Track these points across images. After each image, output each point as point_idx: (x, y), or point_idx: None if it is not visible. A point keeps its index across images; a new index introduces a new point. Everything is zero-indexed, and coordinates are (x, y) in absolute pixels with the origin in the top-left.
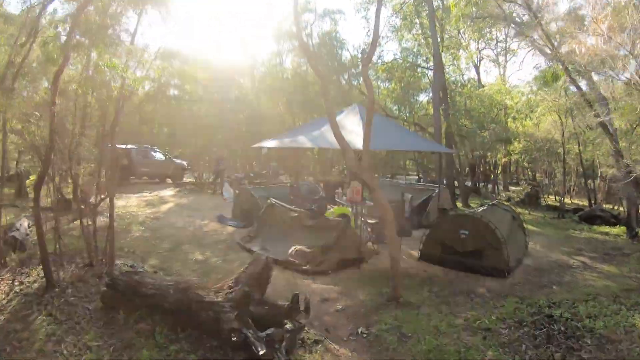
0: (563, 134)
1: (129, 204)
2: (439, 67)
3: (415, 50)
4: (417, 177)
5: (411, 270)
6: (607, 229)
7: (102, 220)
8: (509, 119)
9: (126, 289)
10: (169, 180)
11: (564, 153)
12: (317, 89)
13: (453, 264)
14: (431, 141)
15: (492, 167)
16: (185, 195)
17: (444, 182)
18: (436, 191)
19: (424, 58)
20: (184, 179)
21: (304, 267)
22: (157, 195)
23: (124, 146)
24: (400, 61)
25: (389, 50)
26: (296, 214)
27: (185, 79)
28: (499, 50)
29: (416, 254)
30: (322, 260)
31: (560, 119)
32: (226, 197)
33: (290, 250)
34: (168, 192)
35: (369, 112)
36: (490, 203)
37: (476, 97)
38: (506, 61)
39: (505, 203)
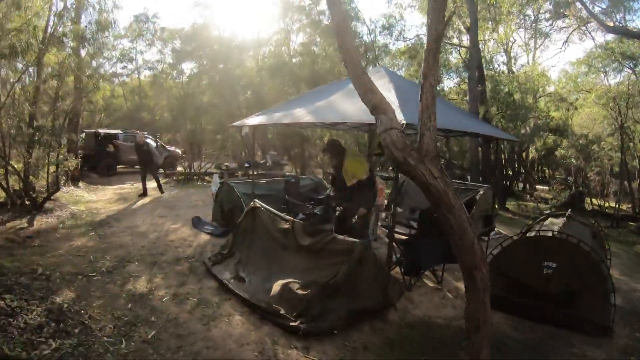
0: (622, 126)
1: (99, 197)
2: (475, 40)
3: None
4: None
5: (458, 318)
6: None
7: (47, 221)
8: (551, 107)
9: None
10: (161, 170)
11: (622, 148)
12: (328, 67)
13: (528, 312)
14: (492, 126)
15: (524, 163)
16: (171, 187)
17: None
18: (480, 192)
19: (456, 31)
20: (178, 168)
21: (293, 323)
22: (137, 188)
23: (108, 131)
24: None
25: (412, 26)
26: (287, 225)
27: (182, 56)
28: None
29: (464, 286)
30: (324, 311)
31: (619, 108)
32: (214, 192)
33: (274, 288)
34: (152, 184)
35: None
36: (566, 215)
37: (512, 80)
38: (536, 47)
39: (545, 207)
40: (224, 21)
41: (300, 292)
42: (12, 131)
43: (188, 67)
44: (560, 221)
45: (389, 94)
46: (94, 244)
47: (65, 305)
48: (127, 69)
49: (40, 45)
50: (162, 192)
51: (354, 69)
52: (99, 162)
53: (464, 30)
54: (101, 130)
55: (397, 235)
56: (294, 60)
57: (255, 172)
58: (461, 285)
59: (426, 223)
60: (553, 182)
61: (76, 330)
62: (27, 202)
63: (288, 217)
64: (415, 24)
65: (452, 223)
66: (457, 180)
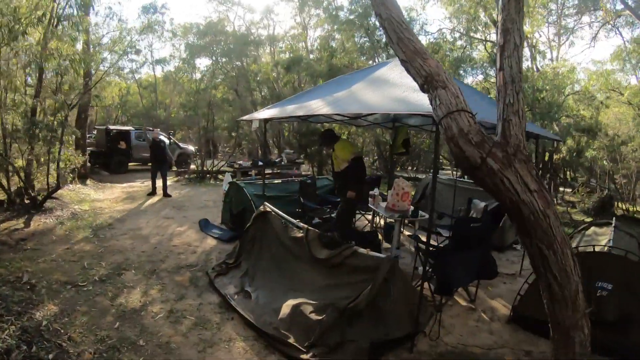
0: None
1: (106, 196)
2: None
3: (472, 11)
4: (457, 175)
5: (496, 346)
6: None
7: (45, 222)
8: (581, 106)
9: None
10: (174, 168)
11: None
12: (346, 61)
13: None
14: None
15: (552, 164)
16: (181, 186)
17: None
18: None
19: (482, 24)
20: (191, 166)
21: (305, 356)
22: (147, 186)
23: (120, 128)
24: (449, 30)
25: (434, 20)
26: (301, 233)
27: (196, 51)
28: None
29: (501, 306)
30: (342, 341)
31: None
32: (226, 192)
33: (284, 309)
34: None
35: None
36: (613, 224)
37: (541, 77)
38: (560, 44)
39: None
40: (238, 16)
41: (314, 316)
42: (9, 126)
43: (202, 63)
44: (605, 231)
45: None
46: (91, 247)
47: (45, 323)
48: (135, 62)
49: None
50: (167, 194)
51: (395, 27)
52: (110, 159)
53: (490, 23)
54: (112, 127)
55: (421, 245)
56: (311, 55)
57: (269, 171)
58: (497, 304)
59: (462, 234)
60: (577, 185)
61: (50, 357)
62: (27, 201)
63: (301, 224)
64: (437, 18)
65: (550, 261)
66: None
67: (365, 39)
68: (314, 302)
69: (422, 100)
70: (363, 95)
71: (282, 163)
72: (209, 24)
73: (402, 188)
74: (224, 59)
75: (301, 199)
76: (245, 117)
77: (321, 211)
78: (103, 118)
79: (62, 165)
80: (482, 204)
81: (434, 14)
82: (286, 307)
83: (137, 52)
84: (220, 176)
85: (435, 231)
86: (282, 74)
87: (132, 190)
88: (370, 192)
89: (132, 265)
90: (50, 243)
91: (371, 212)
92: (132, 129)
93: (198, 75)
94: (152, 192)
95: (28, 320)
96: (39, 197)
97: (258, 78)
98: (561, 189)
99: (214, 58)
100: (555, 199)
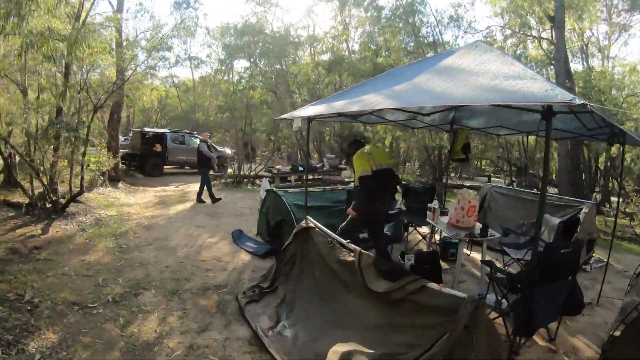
0: None
1: (137, 200)
2: (562, 30)
3: (525, 5)
4: (507, 181)
5: None
6: None
7: (64, 228)
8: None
9: None
10: (210, 172)
11: None
12: (391, 61)
13: None
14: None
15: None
16: (217, 191)
17: (562, 189)
18: (584, 210)
19: (536, 19)
20: (228, 170)
21: None
22: (181, 191)
23: (155, 130)
24: (499, 27)
25: (482, 16)
26: (352, 257)
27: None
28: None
29: (584, 346)
30: None
31: None
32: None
33: (330, 357)
34: (198, 187)
35: None
36: None
37: (603, 76)
38: (610, 43)
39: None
40: (277, 17)
41: None
42: (34, 127)
43: (240, 65)
44: None
45: (509, 69)
46: (110, 259)
47: (38, 358)
48: (167, 61)
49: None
50: (200, 200)
51: None
52: (145, 161)
53: (545, 19)
54: (148, 129)
55: (494, 270)
56: (353, 56)
57: (309, 177)
58: (579, 344)
59: (550, 262)
60: (632, 195)
61: None
62: (48, 206)
63: (352, 245)
64: (485, 14)
65: None
66: (553, 193)
67: (409, 38)
68: (369, 352)
69: (523, 89)
70: (434, 87)
71: (324, 168)
72: (247, 24)
73: (469, 201)
74: (262, 61)
75: (348, 210)
76: (285, 115)
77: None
78: (142, 121)
79: (92, 167)
80: (556, 220)
81: (481, 11)
82: (333, 355)
83: (169, 48)
84: (257, 181)
85: (502, 249)
86: (323, 75)
87: (164, 195)
88: (429, 205)
89: (152, 284)
90: (66, 253)
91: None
92: (168, 131)
93: (236, 77)
94: (215, 200)
95: (18, 354)
96: (62, 201)
97: (298, 80)
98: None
99: (252, 59)
100: (609, 209)
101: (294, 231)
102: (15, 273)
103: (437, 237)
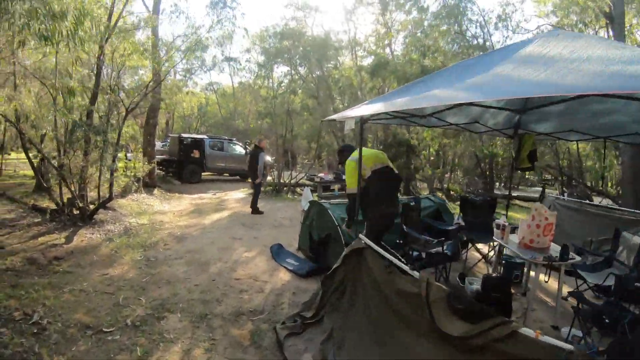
0: None
1: (172, 208)
2: (621, 23)
3: (580, 1)
4: (559, 191)
5: None
6: None
7: (90, 237)
8: None
9: None
10: (248, 180)
11: None
12: (439, 63)
13: None
14: None
15: None
16: None
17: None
18: None
19: (591, 16)
20: (268, 177)
21: None
22: (218, 199)
23: (194, 136)
24: (550, 26)
25: (531, 16)
26: (417, 288)
27: (273, 55)
28: None
29: None
30: None
31: None
32: (304, 209)
33: None
34: (236, 195)
35: None
36: None
37: None
38: None
39: None
40: (316, 24)
41: None
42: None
43: (280, 70)
44: None
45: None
46: (135, 274)
47: None
48: (204, 62)
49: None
50: (255, 210)
51: None
52: (183, 168)
53: (601, 16)
54: (186, 135)
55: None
56: (396, 60)
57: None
58: None
59: None
60: None
61: None
62: (76, 212)
63: (418, 272)
64: (532, 13)
65: None
66: (615, 207)
67: (457, 39)
68: None
69: None
70: (526, 76)
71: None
72: (286, 28)
73: (545, 218)
74: (302, 66)
75: (404, 226)
76: (335, 116)
77: (428, 244)
78: (182, 128)
79: (127, 173)
80: (638, 239)
81: (528, 10)
82: None
83: (205, 48)
84: (298, 190)
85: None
86: (367, 80)
87: (201, 203)
88: (497, 221)
89: (178, 305)
90: (88, 265)
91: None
92: (206, 137)
93: (275, 83)
94: (257, 212)
95: None
96: (91, 208)
97: (340, 84)
98: None
99: (292, 64)
100: None
101: (345, 252)
102: (28, 287)
103: (491, 253)
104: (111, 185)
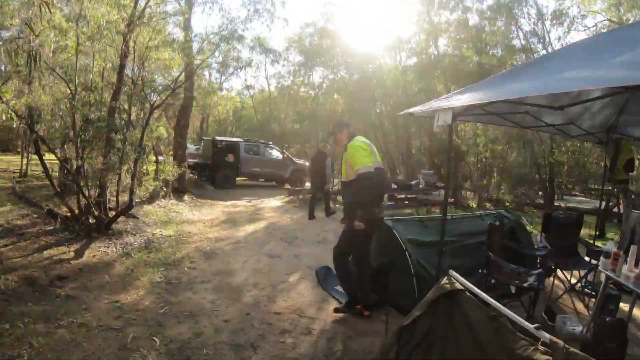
0: None
1: (202, 216)
2: None
3: None
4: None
5: None
6: None
7: (104, 251)
8: None
9: None
10: (287, 186)
11: None
12: (495, 61)
13: None
14: None
15: None
16: (294, 209)
17: None
18: None
19: None
20: (306, 184)
21: None
22: (253, 207)
23: (228, 139)
24: (610, 23)
25: (588, 12)
26: (545, 355)
27: (311, 55)
28: None
29: None
30: None
31: None
32: None
33: None
34: (273, 203)
35: None
36: None
37: None
38: None
39: None
40: (358, 19)
41: None
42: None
43: (318, 74)
44: None
45: None
46: (151, 302)
47: None
48: (239, 59)
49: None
50: (330, 212)
51: None
52: (216, 172)
53: None
54: (220, 138)
55: None
56: (446, 59)
57: (405, 197)
58: None
59: None
60: None
61: None
62: (91, 221)
63: (545, 333)
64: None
65: None
66: None
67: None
68: None
69: None
70: None
71: (420, 186)
72: (326, 28)
73: None
74: (341, 69)
75: (489, 253)
76: (417, 109)
77: (518, 276)
78: (217, 132)
79: (160, 176)
80: None
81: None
82: None
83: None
84: (339, 198)
85: None
86: (414, 81)
87: (234, 211)
88: (603, 247)
89: (201, 352)
90: (96, 288)
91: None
92: (242, 140)
93: (313, 91)
94: (312, 216)
95: None
96: (109, 216)
97: (386, 85)
98: None
99: (331, 64)
100: None
101: (429, 297)
102: (15, 318)
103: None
104: (132, 191)
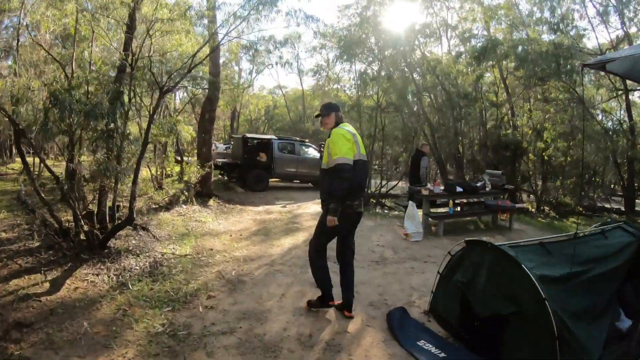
0: None
1: (229, 226)
2: None
3: None
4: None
5: None
6: None
7: (92, 281)
8: None
9: None
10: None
11: None
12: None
13: None
14: None
15: None
16: None
17: None
18: None
19: None
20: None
21: None
22: (289, 213)
23: (260, 136)
24: None
25: None
26: None
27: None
28: None
29: None
30: None
31: None
32: (410, 233)
33: None
34: (311, 208)
35: None
36: None
37: None
38: None
39: None
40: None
41: None
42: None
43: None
44: None
45: None
46: None
47: None
48: (275, 52)
49: None
50: None
51: None
52: (247, 173)
53: None
54: (250, 135)
55: None
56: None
57: (466, 201)
58: None
59: None
60: None
61: None
62: (82, 238)
63: None
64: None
65: None
66: None
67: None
68: None
69: None
70: None
71: (486, 189)
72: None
73: None
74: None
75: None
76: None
77: None
78: (248, 131)
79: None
80: None
81: None
82: None
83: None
84: (387, 203)
85: None
86: (473, 66)
87: (267, 219)
88: None
89: None
90: (66, 345)
91: None
92: (275, 137)
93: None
94: None
95: None
96: (100, 233)
97: (437, 71)
98: None
99: (372, 56)
100: None
101: None
102: None
103: None
104: (132, 198)
